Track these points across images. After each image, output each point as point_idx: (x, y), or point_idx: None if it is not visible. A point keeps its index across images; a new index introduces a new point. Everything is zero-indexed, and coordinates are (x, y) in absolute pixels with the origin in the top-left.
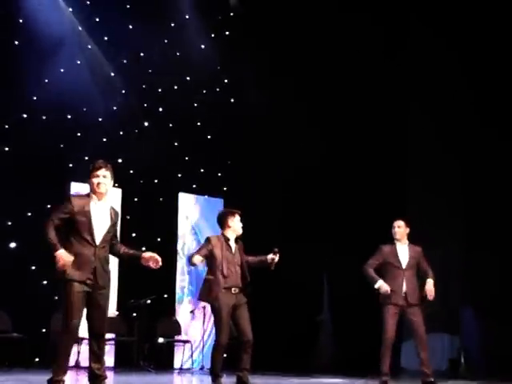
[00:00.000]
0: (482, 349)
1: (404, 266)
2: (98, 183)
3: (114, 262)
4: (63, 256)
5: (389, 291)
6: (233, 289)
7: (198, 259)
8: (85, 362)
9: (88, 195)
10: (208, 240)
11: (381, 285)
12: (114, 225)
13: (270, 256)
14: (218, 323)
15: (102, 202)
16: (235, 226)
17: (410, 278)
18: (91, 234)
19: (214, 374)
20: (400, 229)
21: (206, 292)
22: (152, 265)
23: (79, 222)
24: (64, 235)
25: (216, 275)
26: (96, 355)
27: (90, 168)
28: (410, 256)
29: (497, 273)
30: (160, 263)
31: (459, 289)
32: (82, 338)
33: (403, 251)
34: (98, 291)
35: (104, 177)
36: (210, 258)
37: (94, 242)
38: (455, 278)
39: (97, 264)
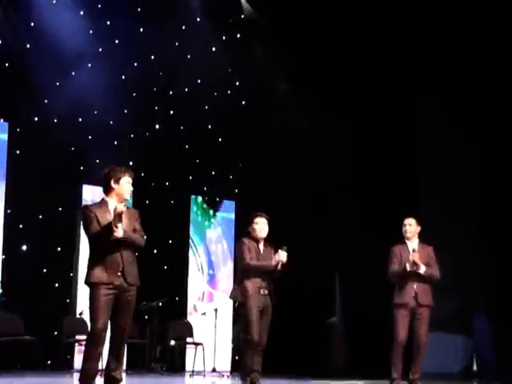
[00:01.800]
0: (495, 355)
1: (415, 266)
2: (131, 190)
3: None
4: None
5: (416, 256)
6: (262, 290)
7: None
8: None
9: (104, 201)
10: (243, 242)
11: (409, 261)
12: (129, 224)
13: (276, 257)
14: (247, 322)
15: (122, 205)
16: (256, 228)
17: (420, 278)
18: (116, 241)
19: (244, 374)
20: (411, 227)
21: (237, 291)
22: (117, 212)
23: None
24: (90, 241)
25: (247, 275)
26: (116, 357)
27: (116, 172)
28: (421, 255)
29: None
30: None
31: (473, 293)
32: None
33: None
34: (126, 293)
35: (132, 184)
36: (241, 259)
37: (119, 243)
38: (469, 282)
39: (125, 264)
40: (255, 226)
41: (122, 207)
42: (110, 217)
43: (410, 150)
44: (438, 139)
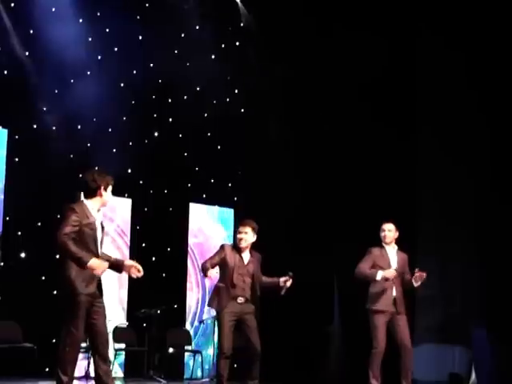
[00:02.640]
0: (494, 366)
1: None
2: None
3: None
4: (97, 264)
5: (394, 273)
6: (239, 298)
7: (212, 273)
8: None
9: (82, 204)
10: (222, 247)
11: (383, 274)
12: (103, 232)
13: (283, 279)
14: (220, 331)
15: (100, 212)
16: (237, 237)
17: (398, 284)
18: (96, 245)
19: (220, 383)
20: (390, 232)
21: (214, 298)
22: (133, 274)
23: (86, 234)
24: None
25: (226, 283)
26: (104, 358)
27: (108, 181)
28: (398, 262)
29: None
30: (141, 272)
31: (471, 304)
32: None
33: (393, 256)
34: (98, 300)
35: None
36: (222, 266)
37: (98, 252)
38: (467, 293)
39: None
40: (237, 235)
41: (102, 268)
42: (92, 221)
43: (407, 165)
44: (435, 155)
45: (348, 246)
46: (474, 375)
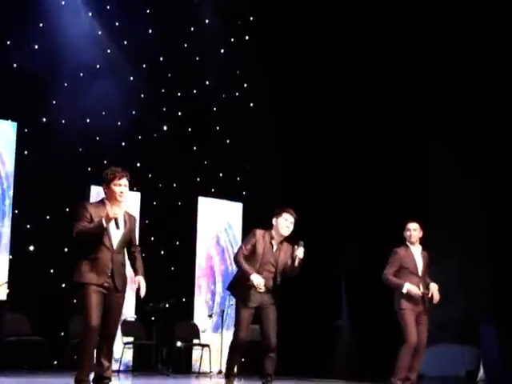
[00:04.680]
0: (503, 365)
1: (420, 272)
2: (121, 192)
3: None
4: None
5: (419, 293)
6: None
7: (257, 279)
8: None
9: (102, 202)
10: (253, 233)
11: (409, 288)
12: (130, 230)
13: (295, 248)
14: (237, 319)
15: (117, 208)
16: (278, 225)
17: (424, 284)
18: (109, 239)
19: (228, 374)
20: (415, 232)
21: (235, 285)
22: (137, 287)
23: None
24: (82, 241)
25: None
26: (106, 355)
27: (108, 175)
28: (423, 261)
29: None
30: (142, 294)
31: (480, 303)
32: None
33: (418, 256)
34: (114, 294)
35: (125, 186)
36: (250, 252)
37: (112, 246)
38: (475, 291)
39: (114, 268)
40: (280, 221)
41: (116, 213)
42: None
43: (417, 165)
44: (446, 162)
45: (357, 243)
46: (482, 371)
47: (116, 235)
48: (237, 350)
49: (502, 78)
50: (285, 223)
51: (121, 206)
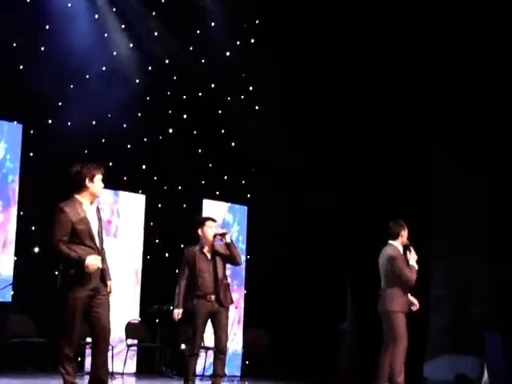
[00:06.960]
0: (508, 374)
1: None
2: (101, 187)
3: (138, 269)
4: (92, 261)
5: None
6: (208, 296)
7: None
8: None
9: (73, 199)
10: (182, 254)
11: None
12: (101, 223)
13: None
14: (192, 330)
15: (92, 204)
16: (205, 233)
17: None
18: (92, 239)
19: (186, 378)
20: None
21: (187, 299)
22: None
23: (79, 230)
24: (68, 246)
25: (193, 283)
26: (102, 359)
27: (87, 170)
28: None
29: None
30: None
31: (485, 308)
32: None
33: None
34: (102, 292)
35: (103, 181)
36: (190, 274)
37: (97, 246)
38: (480, 300)
39: (103, 266)
40: (206, 230)
41: (96, 265)
42: (84, 215)
43: (421, 165)
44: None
45: (360, 246)
46: (486, 376)
47: (96, 233)
48: (193, 357)
49: (503, 78)
50: (210, 229)
51: (95, 202)
